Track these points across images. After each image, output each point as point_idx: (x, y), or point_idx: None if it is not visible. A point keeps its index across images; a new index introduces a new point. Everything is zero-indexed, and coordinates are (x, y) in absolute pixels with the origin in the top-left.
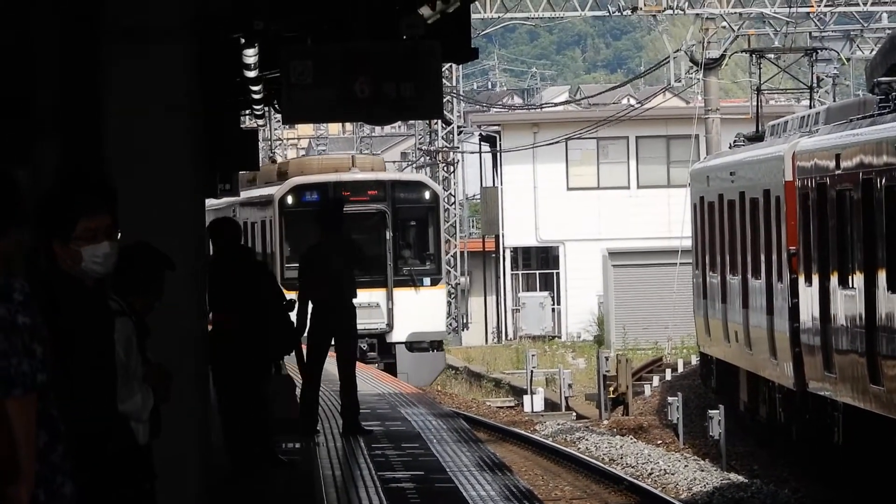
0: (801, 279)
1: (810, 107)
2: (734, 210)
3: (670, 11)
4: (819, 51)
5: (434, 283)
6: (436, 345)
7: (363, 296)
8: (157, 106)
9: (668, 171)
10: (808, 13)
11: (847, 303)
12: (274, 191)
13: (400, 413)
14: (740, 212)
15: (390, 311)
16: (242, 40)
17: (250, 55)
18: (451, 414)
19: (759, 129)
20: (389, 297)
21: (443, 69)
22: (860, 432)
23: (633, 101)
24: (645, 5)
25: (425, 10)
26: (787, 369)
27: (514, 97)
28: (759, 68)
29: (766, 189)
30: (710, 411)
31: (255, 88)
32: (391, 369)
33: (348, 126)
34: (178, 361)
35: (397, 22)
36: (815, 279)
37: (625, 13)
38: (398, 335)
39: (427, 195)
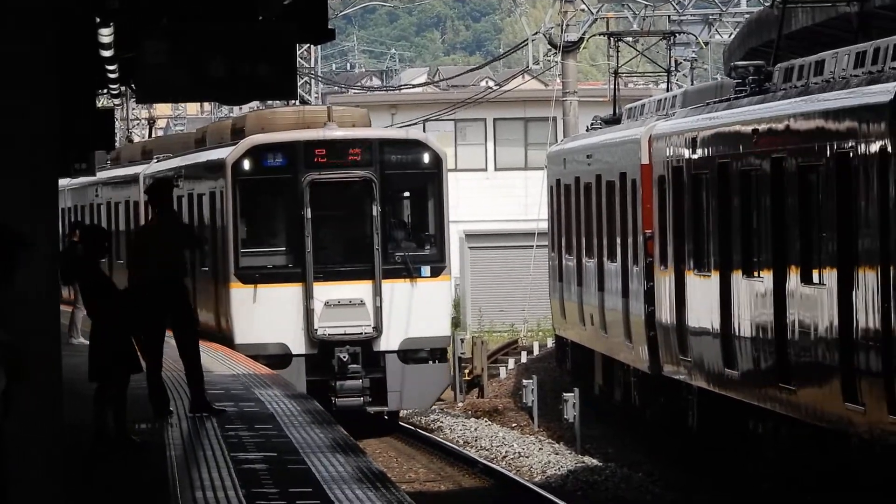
0: (657, 263)
1: (668, 90)
2: (591, 193)
3: None
4: (677, 34)
5: (435, 273)
6: (438, 354)
7: (342, 290)
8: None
9: (526, 154)
10: None
11: (703, 286)
12: (226, 153)
13: (254, 394)
14: (597, 195)
15: (378, 311)
16: (97, 19)
17: (106, 35)
18: (306, 396)
19: (617, 112)
20: (377, 293)
21: (300, 50)
22: (714, 416)
23: (491, 84)
24: None
25: None
26: (642, 353)
27: (372, 79)
28: (618, 51)
29: (623, 172)
30: (564, 394)
31: (111, 68)
32: (380, 387)
33: (206, 106)
34: (32, 340)
35: (253, 2)
36: (671, 263)
37: None
38: (389, 342)
39: (426, 158)
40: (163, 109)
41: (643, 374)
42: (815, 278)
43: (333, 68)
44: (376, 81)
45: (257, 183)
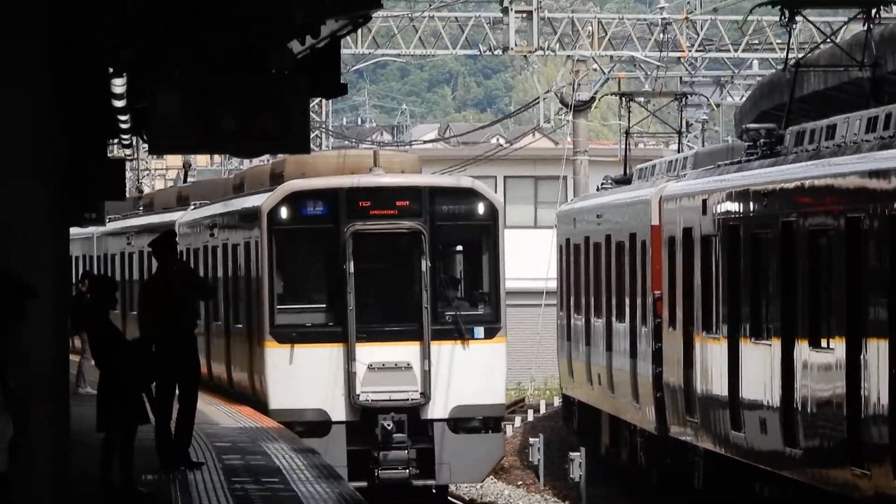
0: (666, 324)
1: (679, 151)
2: (600, 253)
3: (541, 52)
4: (689, 95)
5: (490, 334)
6: (491, 423)
7: (387, 352)
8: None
9: (536, 212)
10: (679, 58)
11: (711, 349)
12: (261, 200)
13: (260, 447)
14: (606, 254)
15: (426, 375)
16: (111, 69)
17: (118, 85)
18: (311, 450)
19: (627, 171)
20: (426, 356)
21: (312, 104)
22: (721, 478)
23: (502, 141)
24: (516, 46)
25: (294, 45)
26: (649, 413)
27: (383, 133)
28: (629, 111)
29: (633, 232)
30: (571, 453)
31: (123, 118)
32: (427, 458)
33: (216, 157)
34: (40, 389)
35: (266, 55)
36: (680, 324)
37: (496, 52)
38: (437, 409)
39: (481, 208)
40: (173, 161)
41: (650, 435)
42: (824, 344)
43: (344, 122)
44: (387, 136)
45: (295, 233)
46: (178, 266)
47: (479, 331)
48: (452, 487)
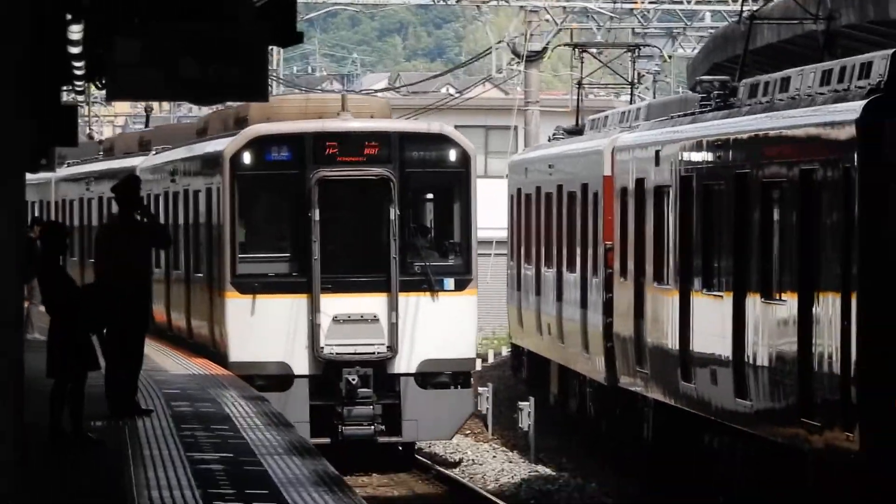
0: (617, 274)
1: (630, 102)
2: (551, 203)
3: (494, 2)
4: (641, 47)
5: (460, 286)
6: (461, 378)
7: (353, 304)
8: None
9: (486, 162)
10: (632, 9)
11: (662, 300)
12: (224, 145)
13: (209, 394)
14: (557, 205)
15: (394, 328)
16: (69, 16)
17: (75, 31)
18: (261, 397)
19: (579, 122)
20: (393, 307)
21: None
22: (670, 428)
23: (452, 91)
24: None
25: None
26: (598, 363)
27: (333, 82)
28: (581, 62)
29: (585, 183)
30: (520, 403)
31: (78, 64)
32: (393, 414)
33: (165, 104)
34: None
35: (225, 3)
36: (631, 275)
37: (448, 2)
38: (405, 363)
39: (453, 155)
40: (121, 108)
41: (599, 385)
42: (776, 295)
43: (294, 71)
44: (337, 85)
45: (259, 179)
46: (141, 212)
47: (450, 282)
48: (420, 445)
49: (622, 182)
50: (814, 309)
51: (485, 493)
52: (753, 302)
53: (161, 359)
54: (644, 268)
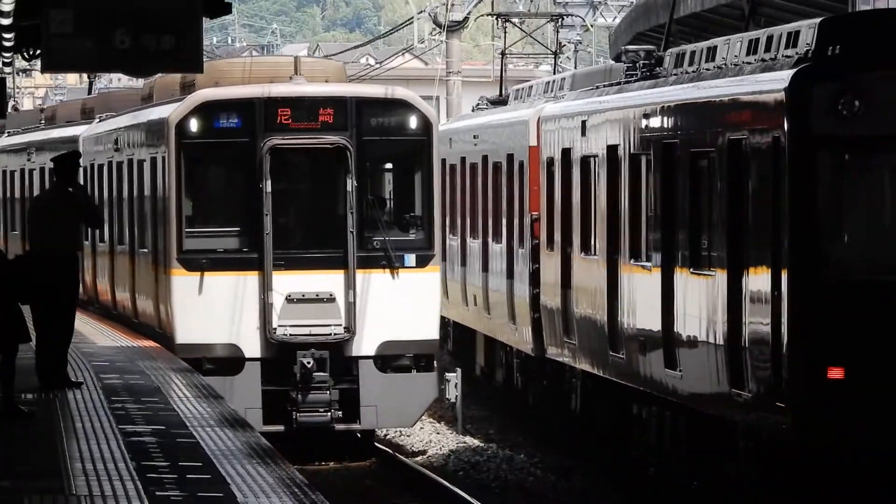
0: (543, 245)
1: (554, 72)
2: (476, 173)
3: None
4: (564, 17)
5: (422, 262)
6: (423, 361)
7: (307, 282)
8: None
9: None
10: None
11: (589, 270)
12: (169, 112)
13: (138, 366)
14: (482, 175)
15: (351, 307)
16: None
17: (6, 3)
18: (189, 369)
19: (503, 92)
20: (350, 286)
21: None
22: (598, 399)
23: (372, 61)
24: None
25: None
26: (525, 334)
27: (252, 53)
28: (504, 32)
29: (510, 153)
30: (446, 374)
31: (7, 36)
32: (351, 400)
33: (85, 76)
34: None
35: None
36: (558, 245)
37: None
38: (363, 346)
39: (413, 122)
40: (42, 80)
41: (526, 357)
42: (704, 265)
43: (214, 42)
44: (256, 56)
45: (206, 148)
46: (76, 188)
47: (411, 258)
48: (379, 433)
49: (548, 152)
50: (743, 281)
51: (412, 464)
52: (682, 274)
53: (88, 331)
54: (571, 238)
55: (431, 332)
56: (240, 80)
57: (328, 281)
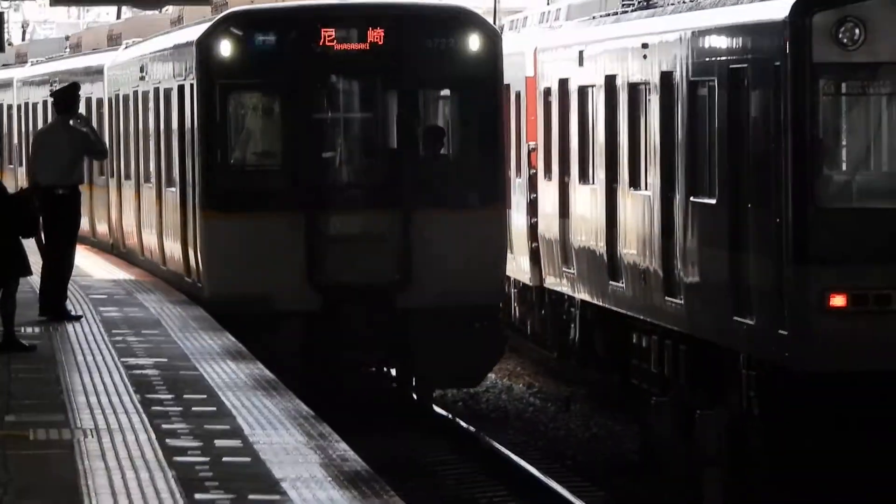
0: (541, 175)
1: (547, 3)
2: None
3: None
4: None
5: (485, 201)
6: (487, 314)
7: (356, 222)
8: None
9: None
10: None
11: (588, 199)
12: (197, 33)
13: (137, 299)
14: None
15: (406, 253)
16: None
17: None
18: (189, 302)
19: (497, 24)
20: (404, 226)
21: None
22: (597, 328)
23: None
24: None
25: None
26: (523, 264)
27: None
28: None
29: (507, 83)
30: None
31: None
32: (405, 357)
33: (73, 10)
34: None
35: None
36: (555, 175)
37: None
38: (418, 296)
39: (475, 41)
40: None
41: (524, 286)
42: (706, 192)
43: None
44: None
45: (239, 73)
46: (79, 119)
47: (473, 197)
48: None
49: (545, 83)
50: (745, 209)
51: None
52: (680, 199)
53: (84, 264)
54: (568, 167)
55: (496, 280)
56: None
57: (380, 221)
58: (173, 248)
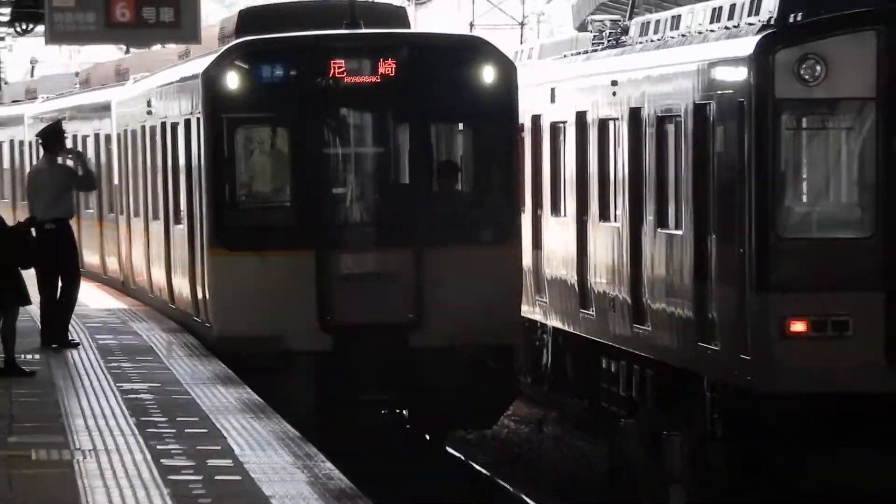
0: None
1: (520, 42)
2: None
3: None
4: None
5: (500, 238)
6: (503, 354)
7: (368, 261)
8: None
9: None
10: None
11: (559, 230)
12: (204, 65)
13: (131, 327)
14: None
15: (419, 291)
16: None
17: None
18: (180, 329)
19: None
20: (417, 264)
21: None
22: (569, 355)
23: None
24: None
25: None
26: None
27: None
28: (473, 2)
29: None
30: None
31: (4, 11)
32: (419, 397)
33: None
34: None
35: None
36: (528, 207)
37: None
38: (431, 335)
39: (490, 73)
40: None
41: None
42: (672, 224)
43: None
44: None
45: (247, 106)
46: (67, 154)
47: (487, 233)
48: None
49: (519, 119)
50: (708, 239)
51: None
52: (648, 231)
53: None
54: (541, 200)
55: (511, 318)
56: (288, 27)
57: (391, 260)
58: (182, 286)
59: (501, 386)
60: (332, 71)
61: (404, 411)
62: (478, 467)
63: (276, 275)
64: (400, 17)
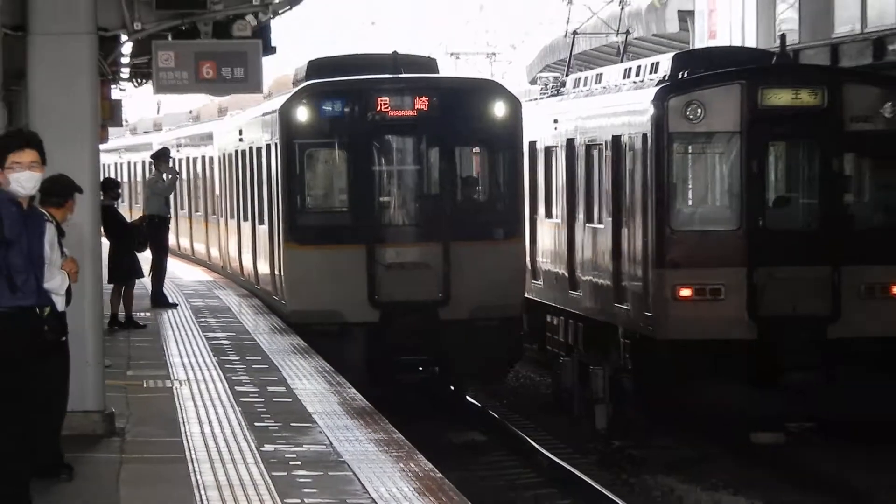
0: None
1: None
2: None
3: None
4: (495, 54)
5: (508, 235)
6: (510, 324)
7: (406, 253)
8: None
9: None
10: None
11: (551, 230)
12: (280, 103)
13: (214, 293)
14: None
15: (446, 276)
16: (124, 37)
17: (125, 50)
18: (252, 294)
19: None
20: (445, 255)
21: None
22: (525, 315)
23: None
24: None
25: (250, 18)
26: None
27: None
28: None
29: None
30: None
31: (125, 71)
32: (445, 359)
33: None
34: (81, 255)
35: (231, 26)
36: (526, 212)
37: None
38: (456, 310)
39: (502, 108)
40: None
41: None
42: (596, 220)
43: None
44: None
45: (313, 133)
46: (170, 173)
47: (499, 231)
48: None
49: None
50: (621, 229)
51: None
52: (581, 226)
53: (177, 268)
54: (537, 206)
55: (516, 295)
56: (346, 70)
57: (426, 252)
58: (264, 271)
59: (509, 348)
60: (379, 107)
61: (435, 368)
62: (492, 413)
63: (335, 263)
64: (431, 65)
